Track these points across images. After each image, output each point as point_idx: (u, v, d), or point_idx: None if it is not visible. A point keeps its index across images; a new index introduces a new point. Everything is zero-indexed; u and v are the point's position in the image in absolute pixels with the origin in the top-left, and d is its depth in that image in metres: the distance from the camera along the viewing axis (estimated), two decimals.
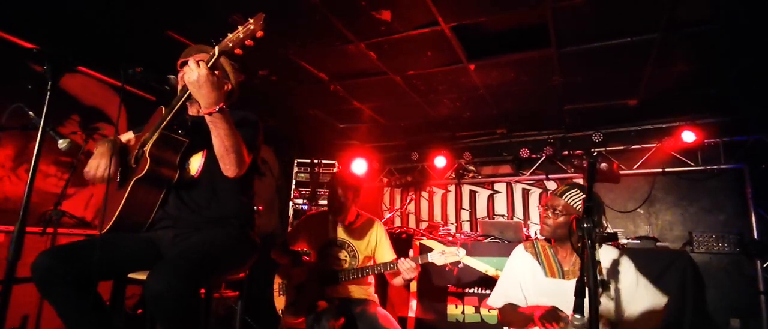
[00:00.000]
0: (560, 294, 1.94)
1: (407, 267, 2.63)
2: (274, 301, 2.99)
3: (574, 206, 2.01)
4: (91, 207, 3.62)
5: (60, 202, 2.85)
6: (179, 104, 1.65)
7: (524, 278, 2.14)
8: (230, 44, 1.48)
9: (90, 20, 3.08)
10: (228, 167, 1.65)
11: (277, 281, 3.00)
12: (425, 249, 3.85)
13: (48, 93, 1.46)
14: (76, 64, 1.55)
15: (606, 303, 1.91)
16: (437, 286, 3.78)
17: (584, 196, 2.04)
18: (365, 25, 3.08)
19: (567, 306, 1.92)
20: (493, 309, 2.27)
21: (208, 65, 1.51)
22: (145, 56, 3.19)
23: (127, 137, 1.94)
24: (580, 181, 5.22)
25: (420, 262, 2.65)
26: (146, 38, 3.27)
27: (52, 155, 3.32)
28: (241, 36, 1.46)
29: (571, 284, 1.88)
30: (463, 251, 2.66)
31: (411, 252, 2.77)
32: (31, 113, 1.84)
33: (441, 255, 2.64)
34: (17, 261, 1.40)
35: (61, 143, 1.74)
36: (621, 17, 2.90)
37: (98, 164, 1.73)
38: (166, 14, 3.00)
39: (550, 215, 2.07)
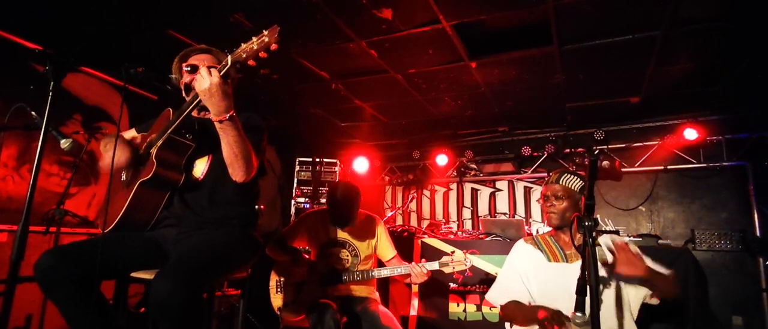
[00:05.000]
0: (565, 277, 1.91)
1: (417, 272, 2.66)
2: (270, 299, 2.94)
3: (572, 187, 2.03)
4: (94, 206, 3.63)
5: (63, 201, 2.84)
6: (189, 108, 1.65)
7: (526, 269, 2.13)
8: (244, 55, 1.47)
9: (91, 20, 3.08)
10: (237, 173, 1.67)
11: (274, 278, 2.95)
12: (427, 248, 3.85)
13: (50, 93, 1.46)
14: (78, 64, 1.55)
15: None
16: (439, 284, 3.77)
17: (579, 178, 2.07)
18: (366, 24, 3.07)
19: (573, 289, 1.89)
20: (493, 306, 2.26)
21: (221, 74, 1.51)
22: (147, 55, 3.19)
23: (131, 135, 1.94)
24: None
25: (428, 269, 2.67)
26: (148, 38, 3.27)
27: (55, 155, 3.32)
28: (256, 47, 1.46)
29: (574, 267, 1.87)
30: (470, 260, 2.66)
31: (423, 259, 2.77)
32: (33, 112, 1.85)
33: (449, 263, 2.67)
34: (21, 260, 1.40)
35: (64, 143, 1.74)
36: (623, 14, 2.90)
37: (109, 153, 1.72)
38: (167, 14, 3.00)
39: (553, 202, 2.05)
